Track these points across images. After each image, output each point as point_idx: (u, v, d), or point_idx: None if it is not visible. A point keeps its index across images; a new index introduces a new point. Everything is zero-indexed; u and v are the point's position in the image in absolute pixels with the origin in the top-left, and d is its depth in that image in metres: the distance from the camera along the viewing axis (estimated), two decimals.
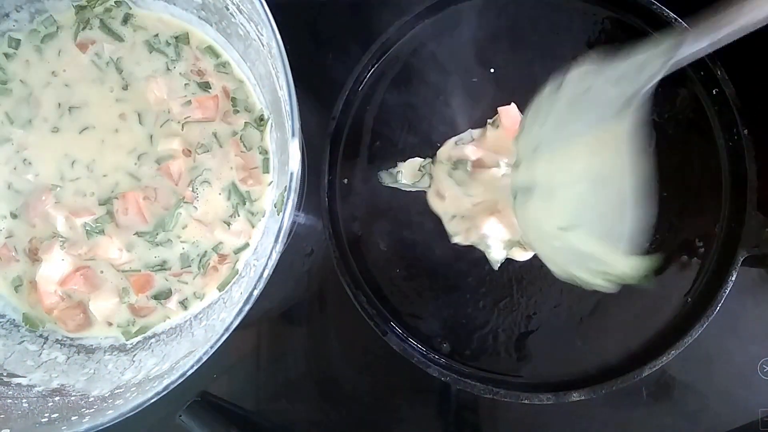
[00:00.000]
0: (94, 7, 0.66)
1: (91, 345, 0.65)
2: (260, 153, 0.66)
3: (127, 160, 0.65)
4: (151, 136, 0.66)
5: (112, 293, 0.65)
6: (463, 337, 0.70)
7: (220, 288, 0.65)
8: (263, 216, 0.65)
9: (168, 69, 0.66)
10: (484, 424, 0.74)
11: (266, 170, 0.66)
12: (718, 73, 0.69)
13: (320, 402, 0.76)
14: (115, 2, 0.66)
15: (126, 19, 0.67)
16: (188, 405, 0.70)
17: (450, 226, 0.71)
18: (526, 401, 0.66)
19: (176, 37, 0.66)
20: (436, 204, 0.72)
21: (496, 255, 0.70)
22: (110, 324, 0.65)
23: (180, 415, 0.69)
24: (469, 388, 0.67)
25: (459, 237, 0.70)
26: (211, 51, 0.67)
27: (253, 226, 0.65)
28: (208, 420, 0.70)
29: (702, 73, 0.71)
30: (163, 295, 0.65)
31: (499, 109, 0.70)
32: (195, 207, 0.65)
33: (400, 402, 0.75)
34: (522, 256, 0.70)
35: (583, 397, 0.65)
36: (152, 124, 0.66)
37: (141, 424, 0.71)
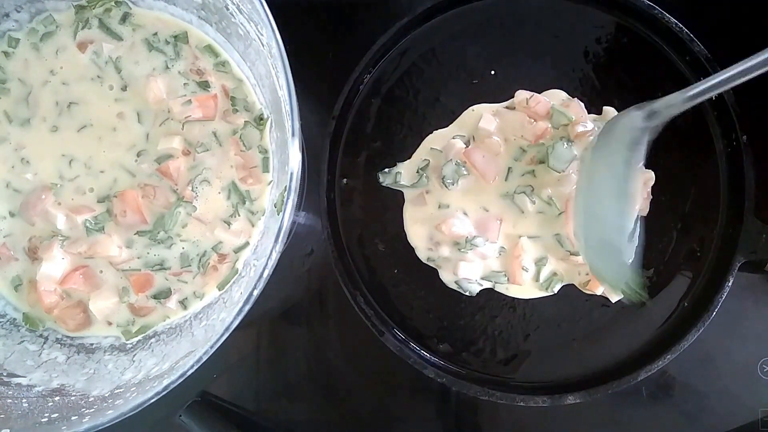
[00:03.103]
0: (94, 8, 0.66)
1: (91, 345, 0.65)
2: (260, 152, 0.66)
3: (125, 157, 0.65)
4: (148, 135, 0.65)
5: (112, 293, 0.65)
6: (460, 339, 0.70)
7: (220, 287, 0.65)
8: (263, 215, 0.65)
9: (167, 68, 0.66)
10: (483, 424, 0.74)
11: (266, 169, 0.66)
12: None
13: (320, 402, 0.76)
14: (115, 2, 0.66)
15: (125, 18, 0.66)
16: (188, 405, 0.70)
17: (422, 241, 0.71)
18: (521, 403, 0.66)
19: (175, 36, 0.66)
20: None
21: (472, 287, 0.70)
22: (110, 323, 0.65)
23: (180, 415, 0.69)
24: (465, 389, 0.67)
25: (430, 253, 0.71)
26: (210, 50, 0.66)
27: (253, 225, 0.65)
28: (208, 420, 0.70)
29: (701, 78, 0.70)
30: (162, 295, 0.65)
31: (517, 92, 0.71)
32: (195, 206, 0.65)
33: (400, 402, 0.75)
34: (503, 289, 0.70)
35: (578, 400, 0.65)
36: (151, 123, 0.66)
37: (141, 424, 0.71)
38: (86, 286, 0.64)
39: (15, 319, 0.65)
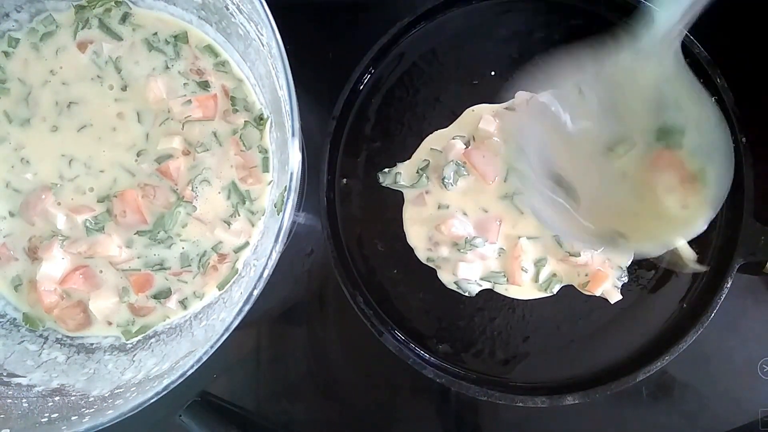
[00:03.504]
0: (94, 8, 0.66)
1: (91, 344, 0.65)
2: (260, 152, 0.66)
3: (125, 157, 0.65)
4: (148, 135, 0.65)
5: (112, 292, 0.65)
6: (460, 340, 0.70)
7: (220, 287, 0.65)
8: (263, 215, 0.65)
9: (167, 68, 0.66)
10: (484, 424, 0.74)
11: (266, 169, 0.66)
12: (718, 80, 0.69)
13: (320, 402, 0.76)
14: (115, 2, 0.66)
15: (124, 18, 0.66)
16: (188, 405, 0.70)
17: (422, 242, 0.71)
18: (520, 404, 0.66)
19: (175, 36, 0.66)
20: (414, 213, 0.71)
21: (471, 288, 0.70)
22: (110, 323, 0.65)
23: (180, 415, 0.69)
24: (463, 390, 0.67)
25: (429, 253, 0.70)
26: (210, 50, 0.66)
27: (252, 225, 0.65)
28: (208, 420, 0.70)
29: (701, 80, 0.70)
30: (162, 295, 0.65)
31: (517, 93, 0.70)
32: (195, 206, 0.65)
33: (400, 402, 0.75)
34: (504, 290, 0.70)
35: (577, 401, 0.65)
36: (150, 123, 0.66)
37: (141, 424, 0.71)
38: (86, 286, 0.64)
39: (15, 319, 0.65)
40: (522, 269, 0.68)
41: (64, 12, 0.66)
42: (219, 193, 0.65)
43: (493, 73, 0.73)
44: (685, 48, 0.69)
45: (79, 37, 0.66)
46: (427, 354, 0.70)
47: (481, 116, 0.70)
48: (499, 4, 0.74)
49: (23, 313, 0.65)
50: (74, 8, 0.66)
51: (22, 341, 0.64)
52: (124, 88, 0.66)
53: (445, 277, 0.70)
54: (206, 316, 0.63)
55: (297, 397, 0.75)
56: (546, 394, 0.66)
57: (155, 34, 0.67)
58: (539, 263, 0.69)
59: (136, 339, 0.65)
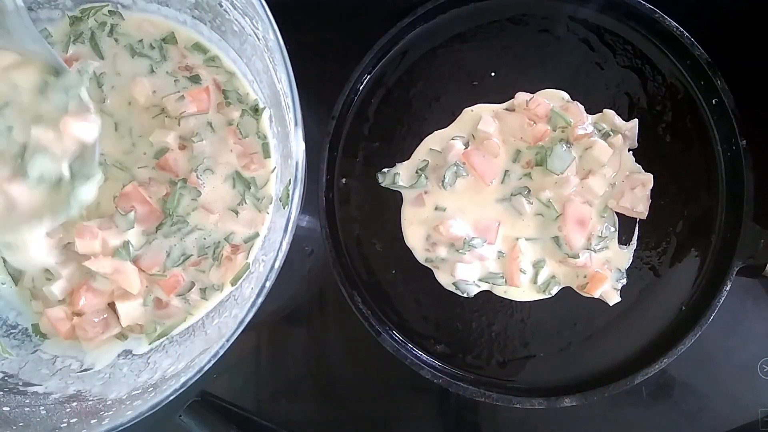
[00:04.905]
0: (88, 17, 0.65)
1: None
2: (258, 137, 0.65)
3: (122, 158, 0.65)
4: (134, 144, 0.65)
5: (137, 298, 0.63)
6: (457, 341, 0.70)
7: (233, 282, 0.64)
8: (270, 203, 0.65)
9: (152, 71, 0.66)
10: (483, 424, 0.74)
11: (267, 155, 0.65)
12: (718, 82, 0.68)
13: (320, 402, 0.76)
14: (108, 11, 0.65)
15: (112, 29, 0.66)
16: (188, 405, 0.70)
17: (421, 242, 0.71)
18: (518, 405, 0.66)
19: (163, 39, 0.66)
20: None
21: (469, 289, 0.70)
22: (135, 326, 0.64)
23: (180, 415, 0.69)
24: (461, 391, 0.67)
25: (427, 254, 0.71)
26: (198, 47, 0.66)
27: (259, 211, 0.65)
28: (208, 420, 0.70)
29: (702, 82, 0.71)
30: (186, 290, 0.64)
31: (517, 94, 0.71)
32: (199, 191, 0.64)
33: (400, 402, 0.75)
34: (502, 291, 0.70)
35: (574, 403, 0.65)
36: (137, 131, 0.65)
37: (141, 424, 0.71)
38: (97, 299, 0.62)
39: (27, 329, 0.64)
40: (520, 271, 0.68)
41: (57, 22, 0.66)
42: (224, 182, 0.64)
43: (492, 73, 0.73)
44: (686, 50, 0.70)
45: (70, 51, 0.65)
46: (425, 355, 0.70)
47: (481, 117, 0.70)
48: (499, 5, 0.74)
49: (32, 324, 0.64)
50: (69, 19, 0.65)
51: (36, 350, 0.63)
52: (102, 101, 0.65)
53: (444, 278, 0.70)
54: (218, 314, 0.63)
55: (297, 396, 0.75)
56: (544, 396, 0.66)
57: (140, 40, 0.66)
58: (538, 265, 0.69)
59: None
